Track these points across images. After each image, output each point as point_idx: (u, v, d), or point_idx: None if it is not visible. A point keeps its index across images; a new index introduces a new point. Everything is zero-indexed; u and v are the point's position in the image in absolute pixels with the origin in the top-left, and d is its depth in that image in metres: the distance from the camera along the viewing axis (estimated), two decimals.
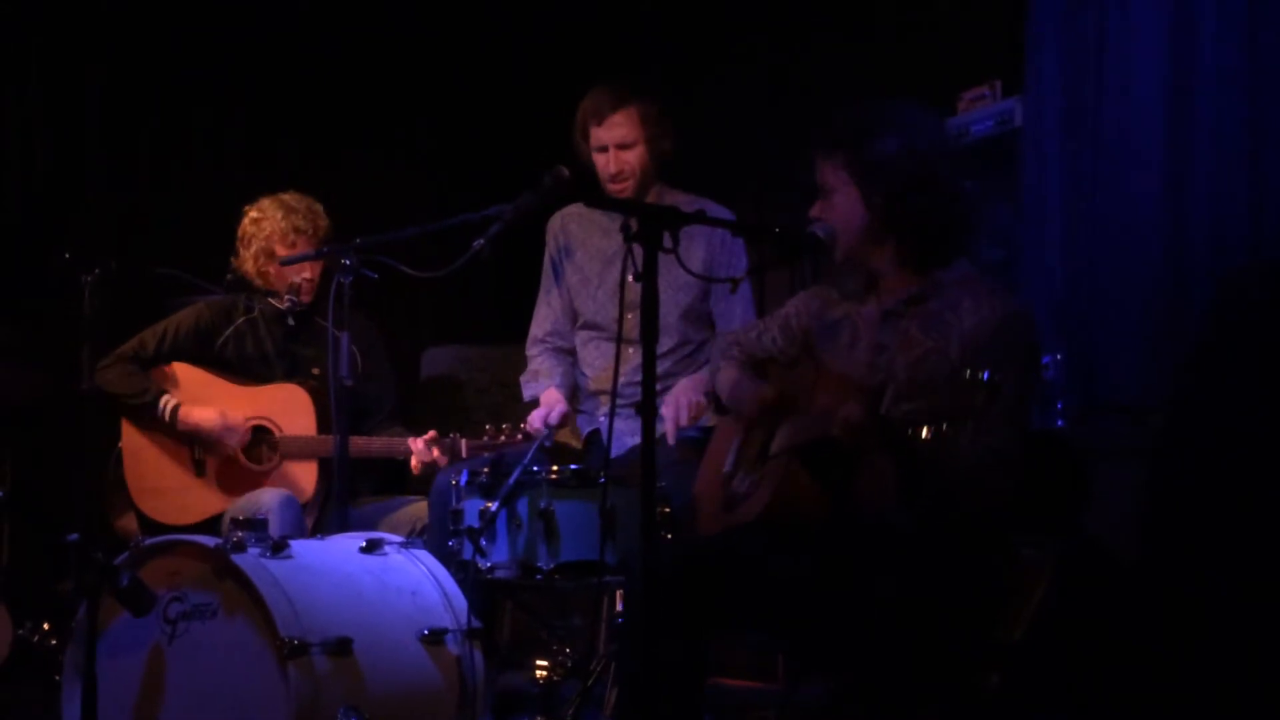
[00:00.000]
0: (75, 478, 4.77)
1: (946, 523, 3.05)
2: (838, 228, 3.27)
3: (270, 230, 4.68)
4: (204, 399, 4.62)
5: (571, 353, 4.51)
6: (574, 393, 4.43)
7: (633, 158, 4.23)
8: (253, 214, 4.73)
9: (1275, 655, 3.34)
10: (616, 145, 4.23)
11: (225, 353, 4.72)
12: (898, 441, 2.87)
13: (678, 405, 4.09)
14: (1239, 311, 3.66)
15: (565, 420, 4.24)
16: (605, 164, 4.26)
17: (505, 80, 6.38)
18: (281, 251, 4.65)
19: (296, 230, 4.66)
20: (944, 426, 2.72)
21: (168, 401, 4.58)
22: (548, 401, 4.30)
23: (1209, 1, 4.11)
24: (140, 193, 5.90)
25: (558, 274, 4.49)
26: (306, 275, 4.66)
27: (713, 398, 3.74)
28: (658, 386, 4.14)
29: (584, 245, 4.44)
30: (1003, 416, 3.00)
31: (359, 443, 4.45)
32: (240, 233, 4.75)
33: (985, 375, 2.67)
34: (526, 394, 4.44)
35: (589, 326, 4.43)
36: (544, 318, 4.51)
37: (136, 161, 5.93)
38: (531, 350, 4.52)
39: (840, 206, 3.27)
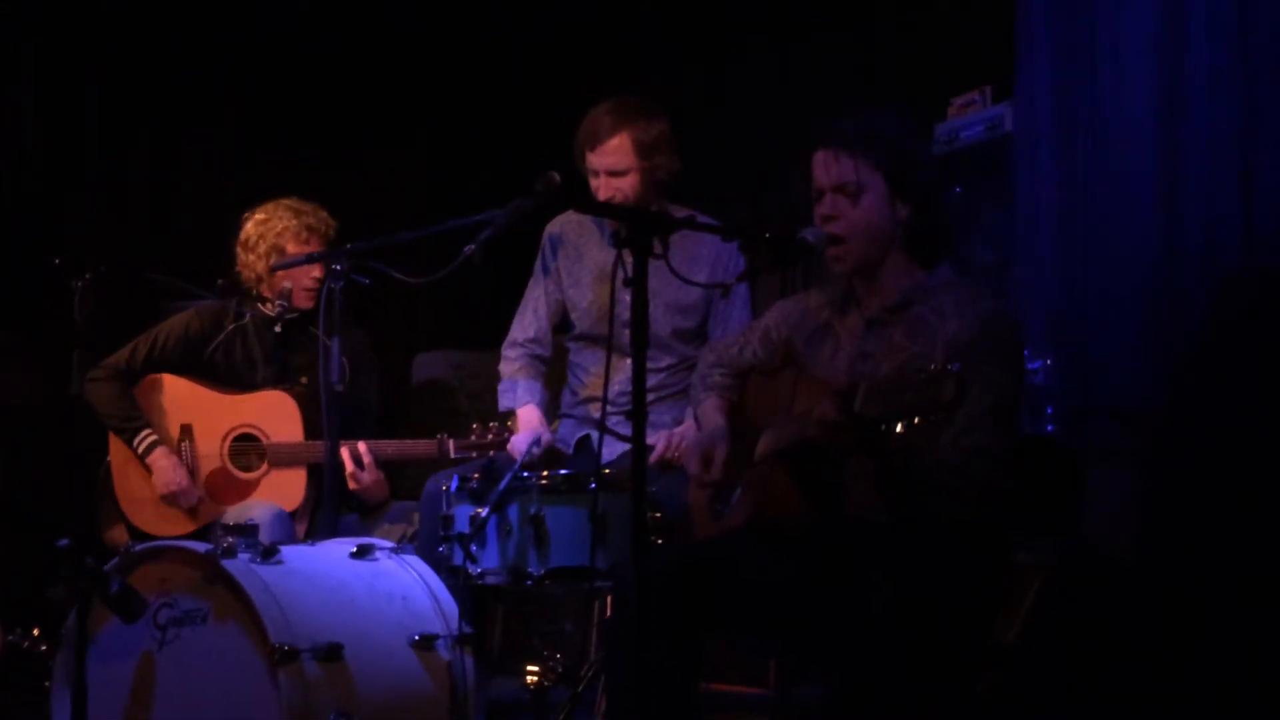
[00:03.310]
0: (67, 482, 4.76)
1: (933, 522, 3.04)
2: (856, 230, 3.22)
3: (282, 228, 4.65)
4: (190, 410, 4.62)
5: (548, 362, 4.49)
6: (547, 408, 4.41)
7: (625, 185, 4.18)
8: (258, 216, 4.70)
9: (1275, 655, 3.35)
10: (608, 172, 4.19)
11: (214, 360, 4.71)
12: (872, 439, 2.87)
13: (670, 439, 4.11)
14: (1237, 312, 3.67)
15: (549, 446, 4.23)
16: (597, 189, 4.22)
17: (499, 84, 6.38)
18: (294, 250, 4.63)
19: (310, 229, 4.64)
20: (915, 421, 2.71)
21: (145, 437, 4.57)
22: (527, 423, 4.27)
23: (1199, 3, 4.11)
24: (133, 197, 5.89)
25: (549, 281, 4.47)
26: (316, 275, 4.59)
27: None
28: (651, 397, 4.17)
29: (581, 258, 4.41)
30: (988, 415, 3.00)
31: (374, 446, 4.47)
32: (244, 237, 4.71)
33: (954, 367, 2.65)
34: (503, 403, 4.41)
35: (583, 337, 4.42)
36: (528, 324, 4.48)
37: (129, 166, 5.93)
38: (509, 353, 4.47)
39: (870, 207, 3.22)
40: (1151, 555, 3.70)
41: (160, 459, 4.56)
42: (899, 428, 2.74)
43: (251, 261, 4.69)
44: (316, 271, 4.59)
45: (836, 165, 3.23)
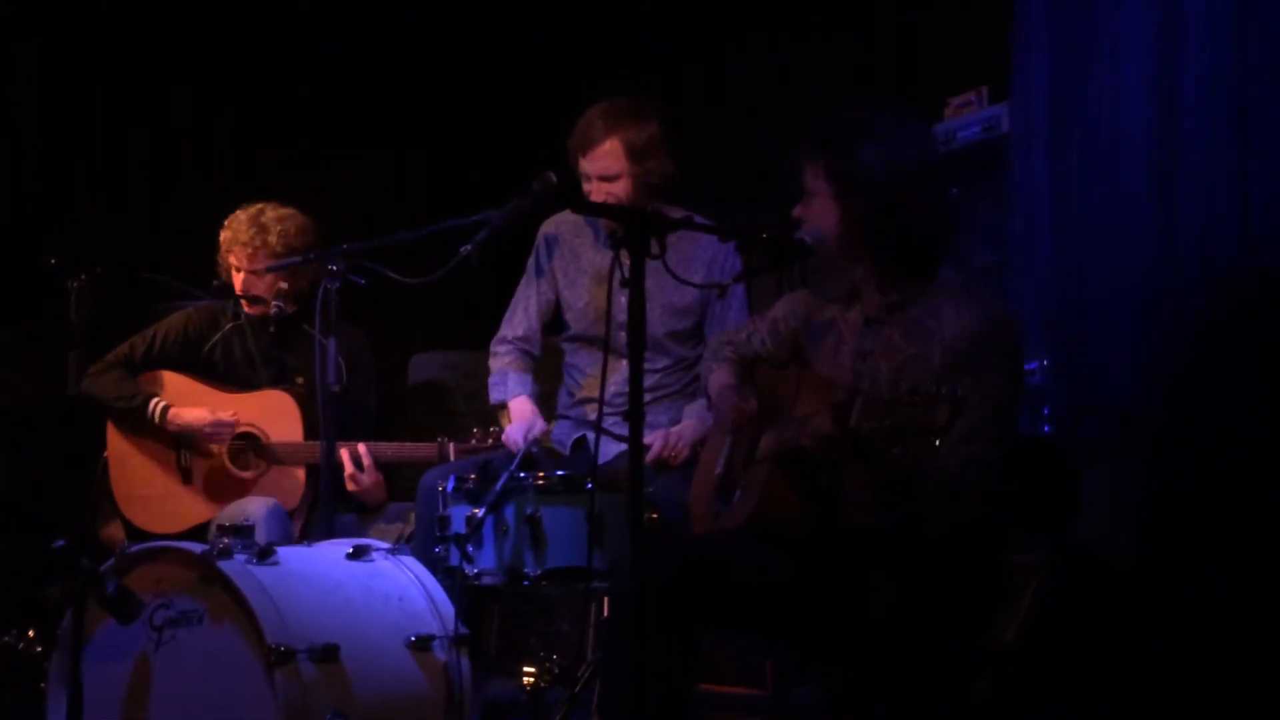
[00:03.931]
0: (63, 483, 4.75)
1: (931, 523, 3.05)
2: (815, 232, 3.25)
3: (225, 237, 4.68)
4: (190, 406, 4.61)
5: (537, 360, 4.49)
6: (538, 403, 4.40)
7: (617, 189, 4.15)
8: (230, 217, 4.71)
9: (1275, 655, 3.35)
10: (599, 177, 4.16)
11: (213, 359, 4.72)
12: (867, 456, 2.88)
13: (668, 438, 4.11)
14: (1235, 312, 3.67)
15: (543, 437, 4.22)
16: (589, 194, 4.18)
17: (496, 84, 6.37)
18: (235, 262, 4.64)
19: (241, 245, 4.63)
20: (908, 442, 2.73)
21: (157, 403, 4.57)
22: (520, 414, 4.27)
23: (1199, 4, 4.10)
24: (130, 197, 5.89)
25: (541, 280, 4.46)
26: (283, 285, 4.61)
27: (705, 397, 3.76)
28: (647, 398, 4.16)
29: (576, 259, 4.39)
30: (987, 421, 3.00)
31: (374, 448, 4.46)
32: None
33: (947, 390, 2.67)
34: (494, 396, 4.40)
35: (579, 338, 4.42)
36: (518, 323, 4.47)
37: (127, 166, 5.93)
38: (499, 348, 4.46)
39: (818, 212, 3.25)
40: (1149, 556, 3.70)
41: (182, 413, 4.58)
42: (894, 448, 2.77)
43: (220, 263, 4.73)
44: (282, 281, 4.60)
45: (801, 170, 3.29)
